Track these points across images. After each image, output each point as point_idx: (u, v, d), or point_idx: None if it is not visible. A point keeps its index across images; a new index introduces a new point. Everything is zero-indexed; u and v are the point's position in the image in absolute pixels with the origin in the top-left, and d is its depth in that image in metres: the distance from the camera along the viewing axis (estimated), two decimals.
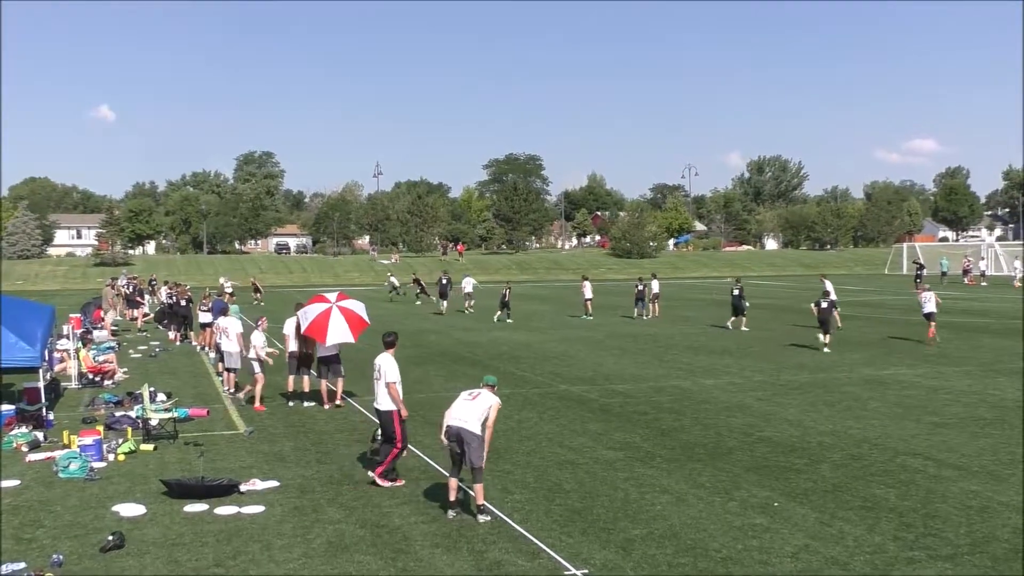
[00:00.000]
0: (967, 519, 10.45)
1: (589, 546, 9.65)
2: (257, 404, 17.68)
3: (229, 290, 49.48)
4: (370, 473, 12.20)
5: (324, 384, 18.02)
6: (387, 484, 11.86)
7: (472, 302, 41.94)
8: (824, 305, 26.44)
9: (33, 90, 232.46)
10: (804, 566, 9.09)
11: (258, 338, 18.20)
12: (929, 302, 27.26)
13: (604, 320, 36.73)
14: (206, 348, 26.52)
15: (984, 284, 61.08)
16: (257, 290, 51.05)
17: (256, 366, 18.01)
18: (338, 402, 17.87)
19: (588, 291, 38.74)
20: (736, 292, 32.21)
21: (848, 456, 13.49)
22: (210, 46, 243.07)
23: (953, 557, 9.27)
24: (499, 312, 36.98)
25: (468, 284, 43.19)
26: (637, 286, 38.04)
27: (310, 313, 18.01)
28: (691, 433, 15.17)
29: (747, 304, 32.94)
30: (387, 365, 12.04)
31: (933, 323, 27.01)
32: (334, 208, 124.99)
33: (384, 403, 12.05)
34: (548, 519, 10.57)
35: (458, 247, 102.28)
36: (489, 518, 10.48)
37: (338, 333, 17.70)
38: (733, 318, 32.05)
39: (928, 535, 9.92)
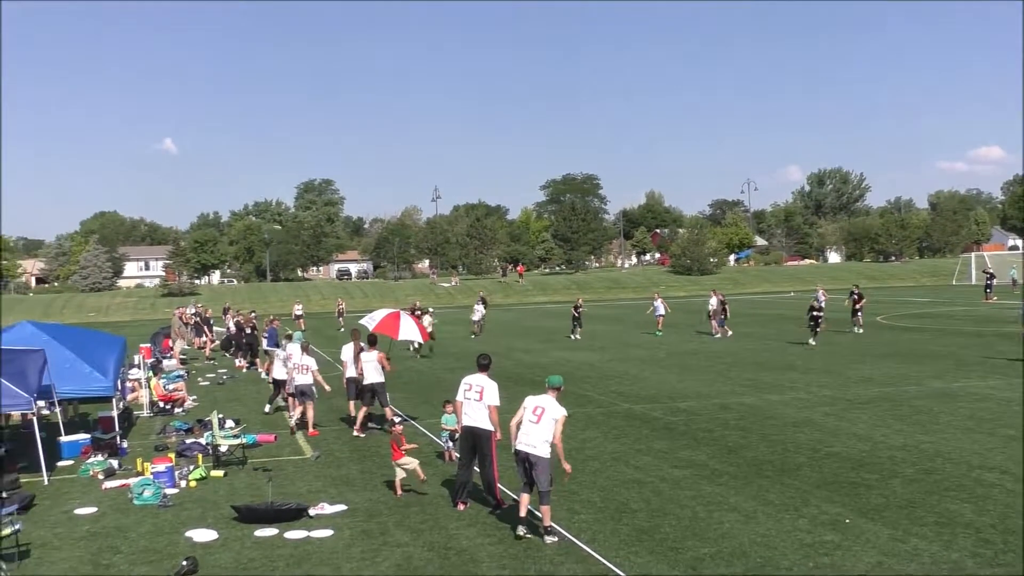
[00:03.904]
0: None
1: (657, 566, 9.57)
2: (311, 429, 17.92)
3: (300, 313, 50.48)
4: (504, 508, 11.87)
5: (364, 410, 17.81)
6: (505, 504, 11.78)
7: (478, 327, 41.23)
8: None
9: (99, 127, 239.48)
10: None
11: (312, 362, 18.45)
12: None
13: (666, 338, 36.51)
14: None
15: None
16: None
17: (315, 391, 18.23)
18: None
19: (661, 307, 38.93)
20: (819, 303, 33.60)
21: (921, 471, 13.21)
22: (266, 78, 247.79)
23: None
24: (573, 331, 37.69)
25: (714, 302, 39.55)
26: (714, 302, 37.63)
27: (376, 315, 18.56)
28: (758, 450, 14.99)
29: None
30: (490, 388, 12.01)
31: None
32: (394, 233, 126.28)
33: (484, 423, 11.98)
34: (615, 539, 10.51)
35: (518, 268, 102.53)
36: (556, 539, 10.44)
37: (409, 331, 18.23)
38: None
39: (1007, 551, 9.66)
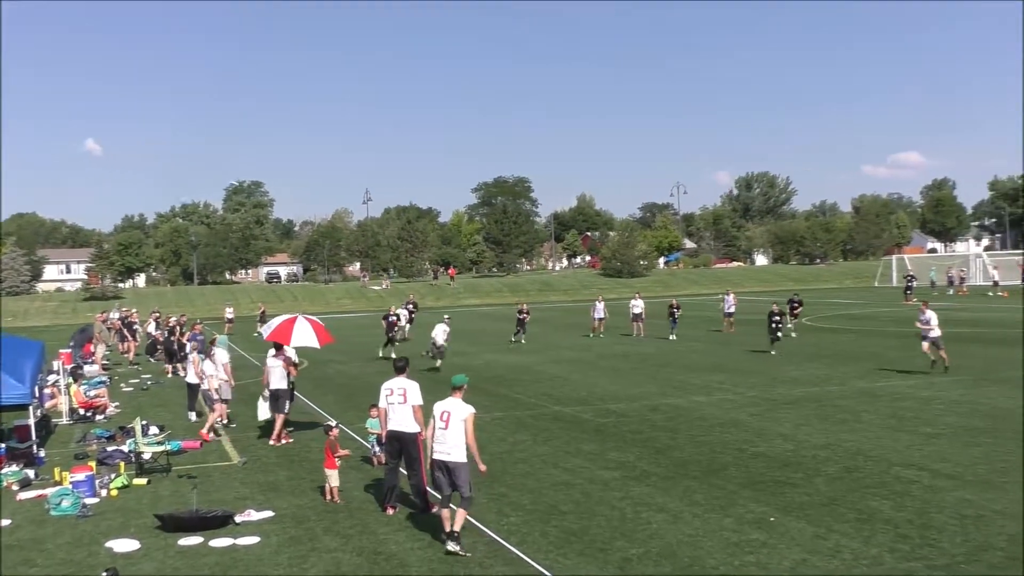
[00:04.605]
0: (963, 528, 10.46)
1: (586, 567, 9.61)
2: (205, 431, 17.69)
3: (230, 317, 49.98)
4: (433, 511, 11.55)
5: (280, 417, 17.36)
6: (435, 509, 11.45)
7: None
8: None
9: (19, 126, 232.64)
10: None
11: (211, 368, 18.22)
12: (933, 322, 23.62)
13: (596, 340, 36.76)
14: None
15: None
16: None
17: (215, 396, 18.11)
18: (277, 440, 17.08)
19: (600, 311, 39.03)
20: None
21: (843, 469, 13.50)
22: (195, 77, 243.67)
23: (950, 567, 9.27)
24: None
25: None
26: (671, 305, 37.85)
27: (273, 322, 18.38)
28: (686, 451, 15.16)
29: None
30: (412, 388, 11.95)
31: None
32: (324, 236, 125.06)
33: (409, 425, 11.92)
34: (545, 540, 10.53)
35: (449, 271, 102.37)
36: (459, 548, 10.12)
37: (303, 337, 17.88)
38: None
39: (925, 545, 9.92)
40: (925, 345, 23.62)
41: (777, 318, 30.20)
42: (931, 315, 23.75)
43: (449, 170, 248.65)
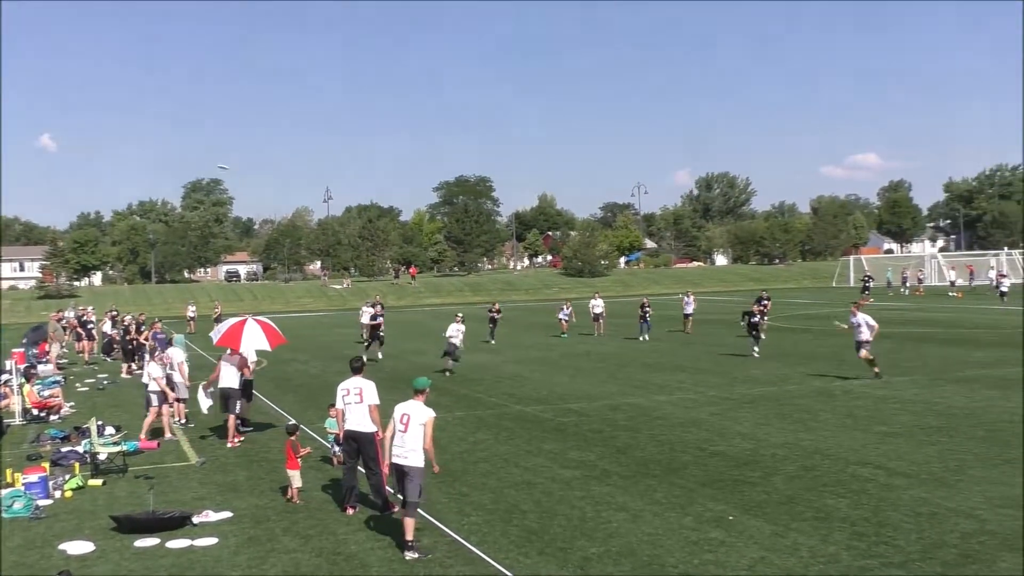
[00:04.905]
0: (917, 526, 10.61)
1: (547, 566, 9.62)
2: (144, 436, 17.33)
3: (192, 315, 49.67)
4: (394, 511, 11.55)
5: (232, 419, 17.10)
6: (397, 508, 11.32)
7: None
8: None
9: None
10: None
11: (156, 369, 18.02)
12: (863, 328, 22.96)
13: (559, 339, 36.84)
14: None
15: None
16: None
17: (154, 398, 17.84)
18: (234, 442, 16.83)
19: (566, 312, 39.06)
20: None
21: (801, 468, 13.64)
22: (152, 73, 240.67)
23: (905, 564, 9.39)
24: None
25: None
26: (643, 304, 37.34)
27: (223, 326, 18.21)
28: (646, 450, 15.23)
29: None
30: (368, 388, 11.98)
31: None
32: (284, 234, 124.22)
33: (366, 425, 11.92)
34: (505, 540, 10.53)
35: (410, 270, 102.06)
36: (418, 555, 10.03)
37: (254, 340, 17.70)
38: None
39: (880, 543, 10.05)
40: (863, 353, 22.88)
41: (756, 319, 29.24)
42: (862, 319, 23.04)
43: (410, 169, 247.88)
